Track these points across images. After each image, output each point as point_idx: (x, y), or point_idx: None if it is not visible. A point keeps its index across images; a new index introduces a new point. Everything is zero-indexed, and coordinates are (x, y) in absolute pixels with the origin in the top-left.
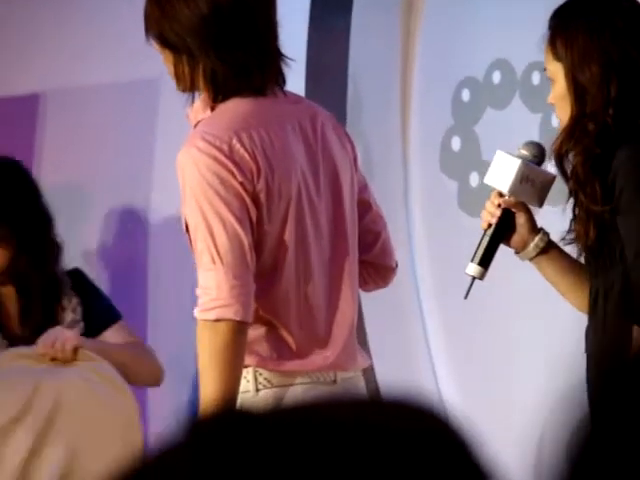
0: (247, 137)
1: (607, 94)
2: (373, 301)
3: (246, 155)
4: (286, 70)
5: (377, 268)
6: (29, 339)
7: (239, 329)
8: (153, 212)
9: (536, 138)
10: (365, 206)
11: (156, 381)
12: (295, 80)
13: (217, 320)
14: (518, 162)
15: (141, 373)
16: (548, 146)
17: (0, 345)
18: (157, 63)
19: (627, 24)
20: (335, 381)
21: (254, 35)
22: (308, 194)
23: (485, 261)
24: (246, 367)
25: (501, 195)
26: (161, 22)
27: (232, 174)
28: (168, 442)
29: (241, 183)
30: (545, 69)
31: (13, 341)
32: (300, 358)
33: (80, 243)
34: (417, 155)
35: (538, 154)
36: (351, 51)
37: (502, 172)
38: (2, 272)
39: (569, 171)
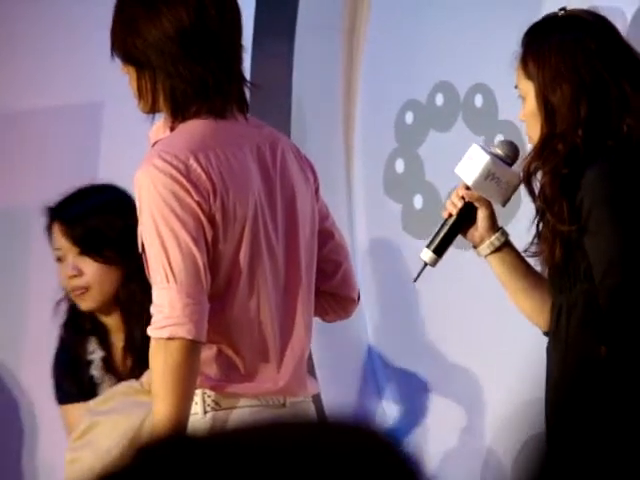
0: (204, 157)
1: (577, 115)
2: (318, 324)
3: (203, 175)
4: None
5: (337, 299)
6: (134, 370)
7: (192, 348)
8: None
9: None
10: (326, 235)
11: None
12: None
13: (169, 338)
14: (487, 158)
15: None
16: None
17: (109, 380)
18: (102, 87)
19: (599, 45)
20: (284, 404)
21: (216, 56)
22: (263, 218)
23: (440, 249)
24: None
25: (467, 188)
26: (126, 38)
27: (189, 193)
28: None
29: (197, 202)
30: (516, 87)
31: (119, 375)
32: (249, 381)
33: (18, 266)
34: (361, 177)
35: (511, 154)
36: (294, 74)
37: (471, 165)
38: (109, 299)
39: (537, 190)
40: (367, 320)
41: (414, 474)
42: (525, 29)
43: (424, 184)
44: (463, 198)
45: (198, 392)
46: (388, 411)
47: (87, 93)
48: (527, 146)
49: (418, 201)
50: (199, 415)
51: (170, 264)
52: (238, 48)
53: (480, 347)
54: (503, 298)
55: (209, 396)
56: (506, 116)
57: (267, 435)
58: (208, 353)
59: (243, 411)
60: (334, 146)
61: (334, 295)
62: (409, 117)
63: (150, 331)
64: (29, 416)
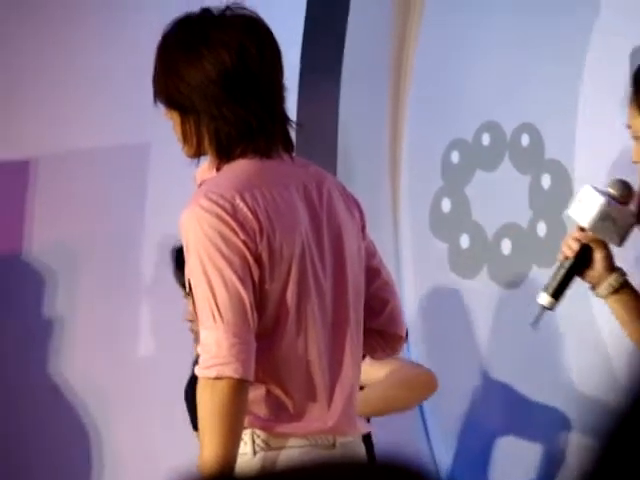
0: (250, 196)
1: None
2: None
3: (249, 214)
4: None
5: (385, 336)
6: None
7: (239, 387)
8: (145, 276)
9: (526, 199)
10: (373, 273)
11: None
12: None
13: (217, 378)
14: (601, 200)
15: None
16: (539, 205)
17: None
18: (147, 128)
19: None
20: (334, 445)
21: (258, 97)
22: (311, 256)
23: (558, 292)
24: (244, 429)
25: (582, 229)
26: (168, 83)
27: (235, 232)
28: None
29: (244, 242)
30: (629, 126)
31: None
32: (298, 421)
33: (74, 307)
34: (407, 216)
35: (624, 194)
36: (341, 113)
37: (585, 207)
38: None
39: None
40: (413, 358)
41: None
42: (569, 69)
43: (470, 223)
44: (579, 240)
45: (247, 432)
46: (437, 451)
47: (134, 134)
48: (575, 188)
49: (464, 240)
50: (248, 455)
51: (217, 304)
52: (280, 88)
53: (529, 382)
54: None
55: (258, 436)
56: (552, 155)
57: (312, 477)
58: (257, 393)
59: (292, 451)
60: (380, 185)
61: (382, 333)
62: (455, 156)
63: (197, 371)
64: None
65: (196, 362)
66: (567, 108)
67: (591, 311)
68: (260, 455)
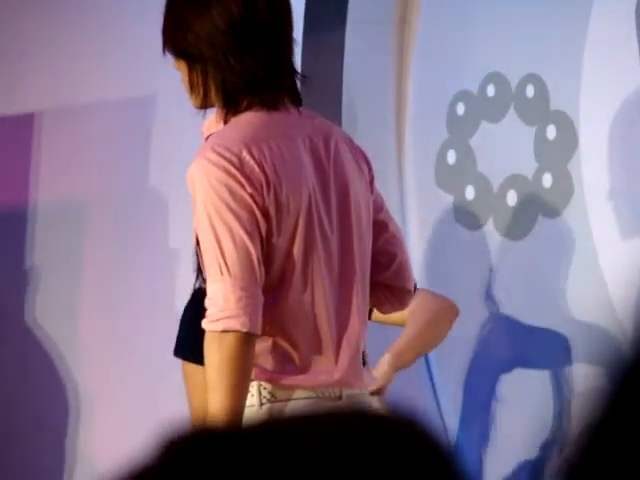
0: (257, 149)
1: None
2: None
3: (256, 167)
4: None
5: (393, 290)
6: None
7: (246, 340)
8: (147, 230)
9: (531, 151)
10: (381, 227)
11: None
12: None
13: (224, 331)
14: None
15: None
16: (545, 156)
17: None
18: (153, 80)
19: None
20: (340, 397)
21: (266, 48)
22: (317, 210)
23: None
24: (251, 381)
25: None
26: (177, 33)
27: (242, 186)
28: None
29: (251, 195)
30: None
31: None
32: (305, 373)
33: (77, 259)
34: (412, 169)
35: None
36: (345, 65)
37: None
38: None
39: None
40: None
41: (455, 474)
42: (574, 19)
43: (476, 175)
44: None
45: (254, 384)
46: (443, 399)
47: (140, 87)
48: (580, 139)
49: (470, 192)
50: (255, 407)
51: (224, 258)
52: (289, 41)
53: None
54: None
55: (265, 388)
56: (558, 106)
57: (320, 424)
58: (263, 345)
59: (298, 403)
60: (386, 137)
61: (389, 287)
62: (460, 108)
63: (204, 324)
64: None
65: (196, 292)
66: (572, 59)
67: (597, 261)
68: (266, 407)
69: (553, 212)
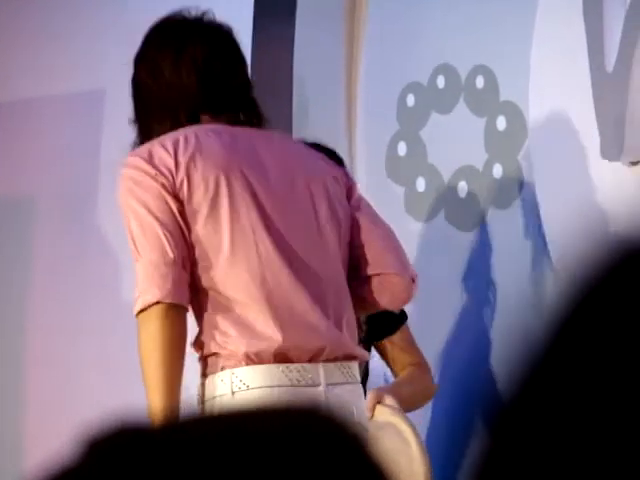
0: (171, 141)
1: None
2: None
3: (164, 154)
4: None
5: (383, 282)
6: None
7: (164, 311)
8: (101, 220)
9: (482, 141)
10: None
11: (429, 399)
12: None
13: (141, 310)
14: None
15: (421, 397)
16: (495, 147)
17: None
18: (102, 75)
19: None
20: (317, 384)
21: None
22: (245, 186)
23: None
24: (222, 370)
25: None
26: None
27: (148, 175)
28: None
29: (157, 180)
30: None
31: None
32: (269, 342)
33: (27, 253)
34: (363, 161)
35: None
36: (295, 58)
37: None
38: None
39: None
40: None
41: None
42: (522, 10)
43: (426, 167)
44: None
45: (226, 372)
46: None
47: (88, 81)
48: (529, 129)
49: (421, 184)
50: (228, 395)
51: (136, 244)
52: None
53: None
54: None
55: (237, 376)
56: (507, 97)
57: (221, 426)
58: (211, 328)
59: (272, 391)
60: (336, 130)
61: (370, 277)
62: (410, 100)
63: (134, 314)
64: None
65: None
66: (521, 49)
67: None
68: (239, 395)
69: (504, 203)
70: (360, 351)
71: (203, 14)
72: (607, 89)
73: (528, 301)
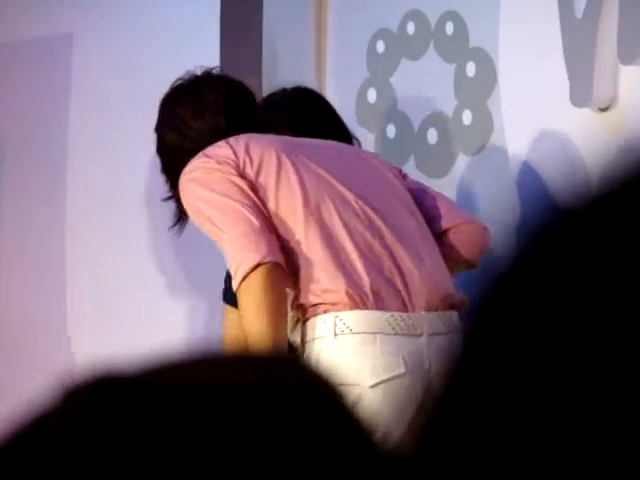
0: (221, 142)
1: None
2: None
3: (220, 150)
4: (202, 37)
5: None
6: None
7: (267, 271)
8: (70, 165)
9: (451, 88)
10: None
11: None
12: (209, 38)
13: (243, 280)
14: None
15: None
16: (464, 94)
17: None
18: (70, 18)
19: None
20: (421, 334)
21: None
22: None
23: None
24: (326, 312)
25: None
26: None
27: (212, 167)
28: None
29: (221, 168)
30: None
31: None
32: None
33: None
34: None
35: None
36: (265, 7)
37: None
38: None
39: None
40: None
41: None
42: None
43: (396, 113)
44: None
45: (330, 315)
46: None
47: (55, 26)
48: (499, 75)
49: (391, 130)
50: (330, 337)
51: (215, 224)
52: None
53: None
54: None
55: (341, 319)
56: (477, 43)
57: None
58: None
59: (374, 337)
60: (306, 77)
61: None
62: (380, 46)
63: (234, 286)
64: None
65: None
66: None
67: None
68: (341, 337)
69: (473, 149)
70: (460, 298)
71: (211, 69)
72: (576, 35)
73: (496, 247)
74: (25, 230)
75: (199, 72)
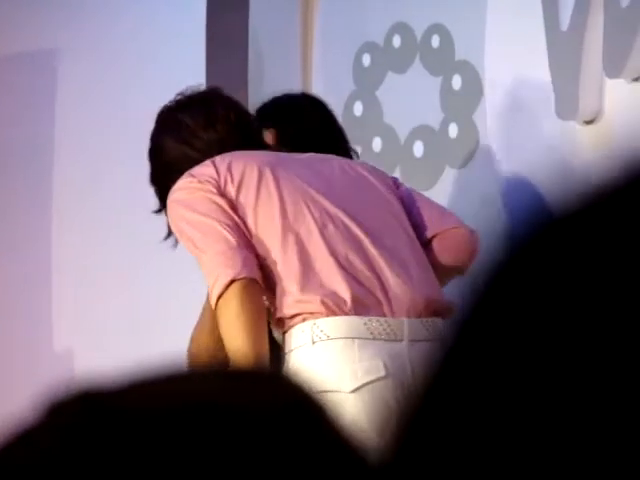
0: (207, 161)
1: None
2: None
3: (204, 169)
4: (188, 47)
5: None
6: None
7: (240, 287)
8: (55, 182)
9: (437, 101)
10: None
11: None
12: (196, 48)
13: (220, 296)
14: None
15: None
16: (450, 107)
17: None
18: (56, 33)
19: None
20: (402, 339)
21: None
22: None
23: None
24: (304, 320)
25: None
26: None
27: (194, 187)
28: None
29: (203, 188)
30: None
31: None
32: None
33: None
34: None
35: None
36: (251, 17)
37: None
38: None
39: None
40: None
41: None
42: None
43: (382, 126)
44: None
45: (308, 324)
46: None
47: (42, 40)
48: (485, 88)
49: (377, 144)
50: (307, 345)
51: (195, 244)
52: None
53: None
54: None
55: (317, 326)
56: (463, 56)
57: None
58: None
59: (352, 342)
60: (292, 89)
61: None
62: (366, 59)
63: (212, 303)
64: None
65: None
66: (476, 8)
67: None
68: (319, 345)
69: (459, 162)
70: (446, 305)
71: (217, 88)
72: (562, 48)
73: (482, 261)
74: (11, 227)
75: (203, 88)
